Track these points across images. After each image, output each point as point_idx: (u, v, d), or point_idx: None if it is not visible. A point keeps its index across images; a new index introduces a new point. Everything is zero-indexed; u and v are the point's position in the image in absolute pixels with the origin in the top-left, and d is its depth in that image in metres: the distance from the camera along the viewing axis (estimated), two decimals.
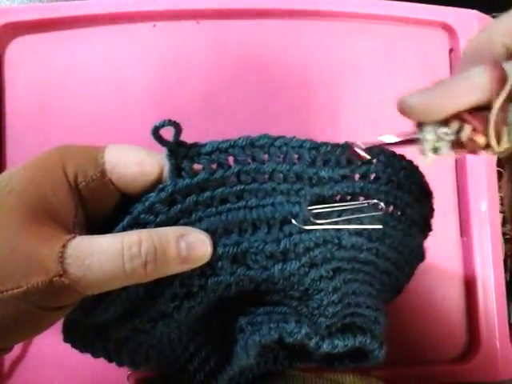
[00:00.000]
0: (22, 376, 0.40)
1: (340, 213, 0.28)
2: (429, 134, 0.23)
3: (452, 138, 0.23)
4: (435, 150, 0.23)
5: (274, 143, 0.27)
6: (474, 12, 0.46)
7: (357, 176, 0.29)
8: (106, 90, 0.43)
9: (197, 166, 0.26)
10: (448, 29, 0.47)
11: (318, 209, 0.27)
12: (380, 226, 0.28)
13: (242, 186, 0.26)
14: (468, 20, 0.46)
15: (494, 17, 0.46)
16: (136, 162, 0.25)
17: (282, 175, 0.27)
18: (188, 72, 0.44)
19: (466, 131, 0.22)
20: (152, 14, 0.44)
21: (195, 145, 0.26)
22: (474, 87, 0.22)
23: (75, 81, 0.43)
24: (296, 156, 0.27)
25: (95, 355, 0.27)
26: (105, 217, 0.26)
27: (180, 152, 0.25)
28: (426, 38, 0.47)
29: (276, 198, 0.27)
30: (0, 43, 0.42)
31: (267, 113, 0.45)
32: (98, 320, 0.25)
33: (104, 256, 0.21)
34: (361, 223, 0.28)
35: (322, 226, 0.26)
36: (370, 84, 0.46)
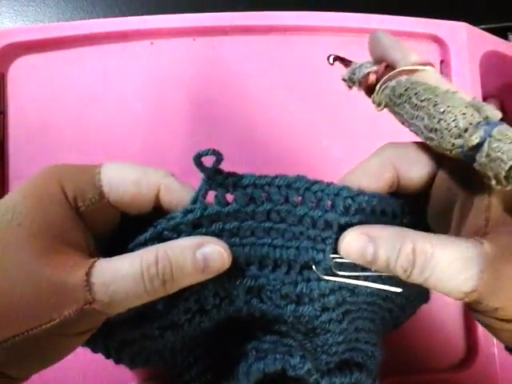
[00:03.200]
0: None
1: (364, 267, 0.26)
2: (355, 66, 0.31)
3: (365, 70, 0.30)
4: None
5: (310, 188, 0.26)
6: (464, 24, 0.47)
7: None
8: (105, 106, 0.44)
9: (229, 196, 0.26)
10: (438, 41, 0.48)
11: (342, 258, 0.26)
12: (399, 290, 0.26)
13: (270, 224, 0.26)
14: (458, 32, 0.47)
15: (482, 29, 0.47)
16: (132, 181, 0.25)
17: (311, 220, 0.26)
18: (185, 88, 0.45)
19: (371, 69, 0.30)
20: (149, 32, 0.45)
21: (232, 174, 0.25)
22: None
23: (75, 98, 0.44)
24: (329, 203, 0.26)
25: (94, 351, 0.27)
26: (108, 235, 0.26)
27: (216, 179, 0.25)
28: (417, 50, 0.48)
29: (302, 242, 0.26)
30: (3, 63, 0.44)
31: (264, 126, 0.45)
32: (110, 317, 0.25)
33: (127, 280, 0.22)
34: (382, 281, 0.26)
35: (340, 278, 0.26)
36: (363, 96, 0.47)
